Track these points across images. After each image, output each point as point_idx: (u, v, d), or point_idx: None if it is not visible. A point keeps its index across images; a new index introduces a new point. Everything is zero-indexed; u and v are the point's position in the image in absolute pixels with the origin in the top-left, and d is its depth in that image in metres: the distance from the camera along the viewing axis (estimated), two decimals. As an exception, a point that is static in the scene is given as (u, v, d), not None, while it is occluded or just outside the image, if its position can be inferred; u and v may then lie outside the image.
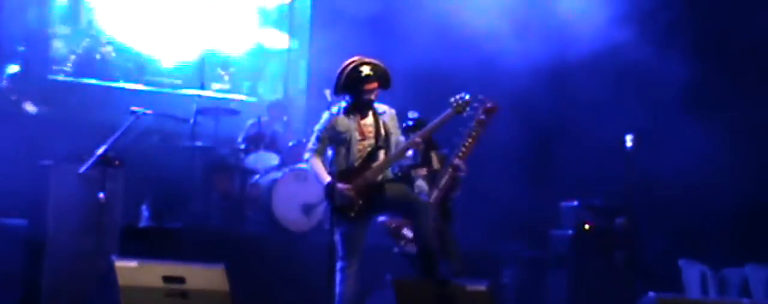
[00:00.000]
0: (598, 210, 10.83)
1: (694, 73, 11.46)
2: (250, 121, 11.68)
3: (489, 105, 8.49)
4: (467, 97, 8.25)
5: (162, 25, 12.49)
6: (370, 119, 8.31)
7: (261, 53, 13.07)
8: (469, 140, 8.46)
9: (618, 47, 11.80)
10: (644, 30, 11.79)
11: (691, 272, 10.68)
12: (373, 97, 8.22)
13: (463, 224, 11.02)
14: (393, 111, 8.44)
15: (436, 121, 8.23)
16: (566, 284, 10.58)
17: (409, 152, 8.27)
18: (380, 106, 8.38)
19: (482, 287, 8.28)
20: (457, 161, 8.48)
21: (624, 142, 9.84)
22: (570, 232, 10.72)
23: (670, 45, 11.68)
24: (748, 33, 11.46)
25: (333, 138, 8.23)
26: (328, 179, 8.11)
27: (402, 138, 8.38)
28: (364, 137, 8.26)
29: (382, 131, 8.30)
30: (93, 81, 12.00)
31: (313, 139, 8.33)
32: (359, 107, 8.27)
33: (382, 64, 8.24)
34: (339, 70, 8.21)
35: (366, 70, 8.16)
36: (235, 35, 12.93)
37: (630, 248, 10.24)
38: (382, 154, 8.29)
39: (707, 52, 11.55)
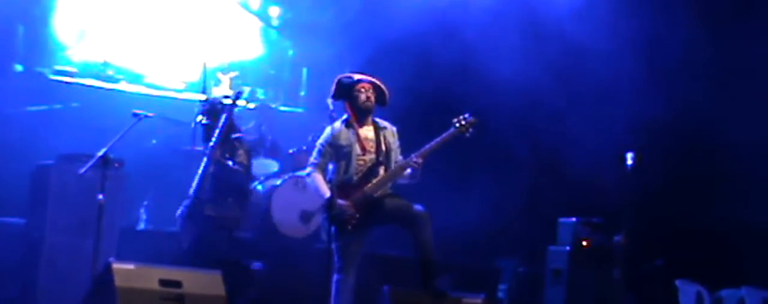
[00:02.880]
0: (597, 227, 10.81)
1: (689, 93, 11.48)
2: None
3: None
4: (471, 118, 8.25)
5: (165, 29, 12.50)
6: (371, 133, 8.34)
7: (262, 60, 13.07)
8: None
9: (618, 66, 11.83)
10: (646, 50, 11.83)
11: (688, 293, 10.66)
12: (368, 96, 8.25)
13: (461, 238, 11.05)
14: (394, 128, 8.47)
15: (437, 140, 8.23)
16: (563, 300, 10.56)
17: (408, 171, 8.25)
18: (381, 122, 8.41)
19: (478, 301, 8.28)
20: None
21: (624, 159, 9.82)
22: (567, 248, 10.71)
23: (669, 64, 11.71)
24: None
25: (335, 151, 8.25)
26: (328, 193, 8.10)
27: (400, 157, 8.38)
28: (364, 152, 8.29)
29: (383, 146, 8.32)
30: (95, 82, 11.98)
31: (315, 153, 8.36)
32: (358, 116, 8.30)
33: (378, 80, 8.31)
34: (335, 80, 8.34)
35: (358, 76, 8.31)
36: (238, 41, 12.94)
37: (627, 266, 10.22)
38: (381, 169, 8.31)
39: (709, 68, 11.56)
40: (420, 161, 8.14)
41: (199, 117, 9.12)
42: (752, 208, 11.18)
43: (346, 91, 8.30)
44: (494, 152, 11.94)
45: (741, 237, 11.17)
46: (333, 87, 8.33)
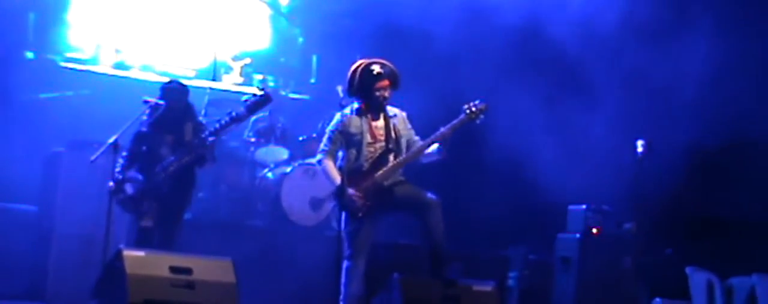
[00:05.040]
0: (606, 214, 10.80)
1: (703, 80, 11.45)
2: (255, 116, 11.69)
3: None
4: (481, 104, 8.23)
5: (176, 16, 12.51)
6: (381, 122, 8.32)
7: (272, 47, 13.07)
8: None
9: (629, 51, 11.80)
10: (656, 34, 11.78)
11: (698, 280, 10.64)
12: (386, 94, 8.22)
13: (470, 225, 11.05)
14: (404, 114, 8.45)
15: (448, 126, 8.21)
16: (573, 288, 10.55)
17: (434, 147, 8.20)
18: (391, 109, 8.39)
19: (488, 288, 8.27)
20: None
21: (635, 147, 9.81)
22: (577, 235, 10.70)
23: (682, 50, 11.67)
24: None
25: (345, 139, 8.24)
26: (339, 180, 8.10)
27: (417, 137, 8.37)
28: (374, 140, 8.27)
29: (393, 134, 8.30)
30: (106, 69, 12.01)
31: (325, 140, 8.33)
32: (372, 108, 8.28)
33: (391, 64, 8.25)
34: (350, 72, 8.25)
35: (377, 68, 8.20)
36: (248, 28, 12.94)
37: (637, 253, 10.21)
38: (391, 157, 8.29)
39: (720, 56, 11.52)
40: (447, 133, 8.10)
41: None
42: (763, 195, 11.17)
43: (364, 88, 8.23)
44: (504, 138, 11.92)
45: (752, 224, 11.15)
46: (353, 81, 8.22)
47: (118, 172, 8.56)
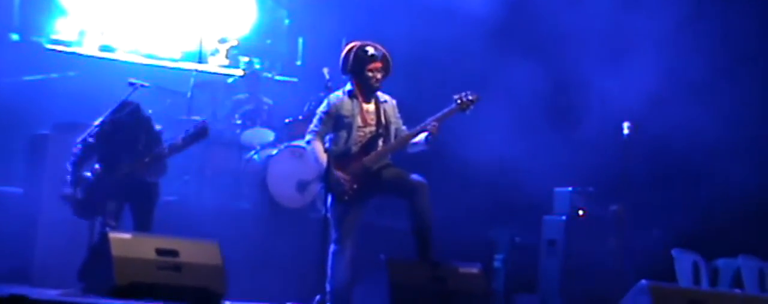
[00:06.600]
0: (592, 196, 10.83)
1: (694, 60, 11.47)
2: (237, 97, 11.67)
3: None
4: (472, 95, 8.21)
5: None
6: (372, 106, 8.31)
7: (258, 29, 13.03)
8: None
9: (616, 30, 11.81)
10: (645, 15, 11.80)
11: (684, 262, 10.70)
12: (378, 76, 8.21)
13: (456, 208, 11.06)
14: (394, 101, 8.44)
15: (437, 115, 8.19)
16: (558, 270, 10.60)
17: (422, 136, 8.20)
18: (383, 95, 8.38)
19: (475, 270, 8.30)
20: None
21: (621, 129, 9.83)
22: (563, 218, 10.72)
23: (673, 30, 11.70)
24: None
25: (336, 121, 8.22)
26: (326, 163, 8.09)
27: (404, 127, 8.36)
28: (365, 124, 8.26)
29: (383, 120, 8.30)
30: (92, 52, 11.97)
31: (315, 120, 8.32)
32: (363, 91, 8.27)
33: (385, 49, 8.26)
34: (344, 52, 8.27)
35: (371, 50, 8.21)
36: (234, 10, 12.90)
37: (623, 235, 10.24)
38: (380, 142, 8.29)
39: (713, 39, 11.55)
40: (436, 124, 8.10)
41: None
42: (748, 177, 11.21)
43: (358, 67, 8.24)
44: (491, 121, 11.93)
45: (737, 206, 11.19)
46: (347, 60, 8.22)
47: (71, 171, 8.46)
